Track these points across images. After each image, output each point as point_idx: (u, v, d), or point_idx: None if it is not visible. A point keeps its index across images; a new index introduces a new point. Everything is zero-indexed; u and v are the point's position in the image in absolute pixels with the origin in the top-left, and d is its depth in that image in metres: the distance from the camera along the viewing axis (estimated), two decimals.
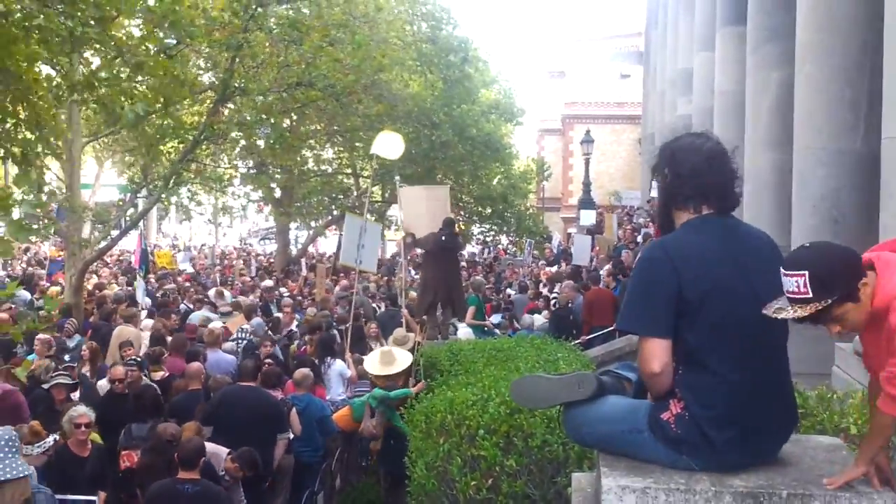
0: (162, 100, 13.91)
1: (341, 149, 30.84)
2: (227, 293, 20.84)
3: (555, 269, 26.36)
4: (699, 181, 3.66)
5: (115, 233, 19.93)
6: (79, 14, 8.02)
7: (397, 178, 17.62)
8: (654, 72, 31.15)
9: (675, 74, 24.66)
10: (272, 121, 20.13)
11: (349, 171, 32.79)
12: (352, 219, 15.70)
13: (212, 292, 21.06)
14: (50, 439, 8.10)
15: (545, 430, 5.56)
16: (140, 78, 11.77)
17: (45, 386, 9.84)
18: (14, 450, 5.97)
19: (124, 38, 10.68)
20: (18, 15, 7.31)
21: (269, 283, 23.36)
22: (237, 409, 9.33)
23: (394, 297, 18.77)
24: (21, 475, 5.92)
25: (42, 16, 7.60)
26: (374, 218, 19.52)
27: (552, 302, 18.55)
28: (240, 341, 14.40)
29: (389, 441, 10.18)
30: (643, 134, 34.82)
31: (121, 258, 32.16)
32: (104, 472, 8.61)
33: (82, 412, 8.51)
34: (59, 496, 7.44)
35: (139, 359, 11.47)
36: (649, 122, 32.09)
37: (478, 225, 33.44)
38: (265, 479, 9.37)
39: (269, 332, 15.05)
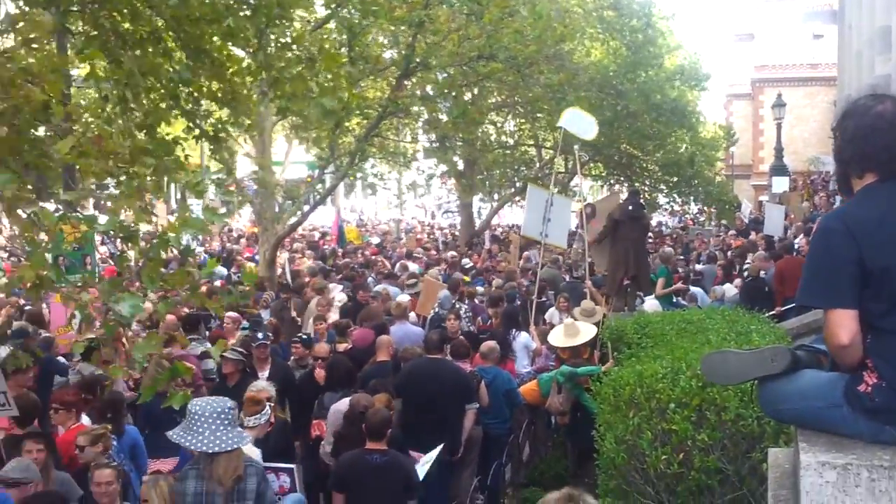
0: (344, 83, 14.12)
1: (523, 120, 30.65)
2: (411, 266, 21.14)
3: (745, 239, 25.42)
4: (862, 145, 3.48)
5: (305, 208, 20.51)
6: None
7: (576, 146, 17.31)
8: (850, 31, 29.33)
9: (873, 33, 23.12)
10: (454, 94, 20.19)
11: (531, 142, 32.57)
12: (535, 190, 15.50)
13: (398, 265, 21.43)
14: (267, 409, 8.29)
15: (739, 403, 5.42)
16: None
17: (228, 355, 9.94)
18: (227, 421, 5.96)
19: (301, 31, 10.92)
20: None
21: (452, 255, 23.59)
22: (426, 381, 9.39)
23: (573, 268, 18.55)
24: (233, 447, 5.93)
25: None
26: (557, 189, 19.25)
27: (744, 274, 17.84)
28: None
29: (577, 414, 10.07)
30: (838, 96, 32.92)
31: (313, 233, 33.25)
32: (288, 446, 8.83)
33: (262, 387, 8.73)
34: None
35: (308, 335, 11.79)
36: (845, 84, 30.27)
37: (664, 194, 32.51)
38: (455, 450, 9.43)
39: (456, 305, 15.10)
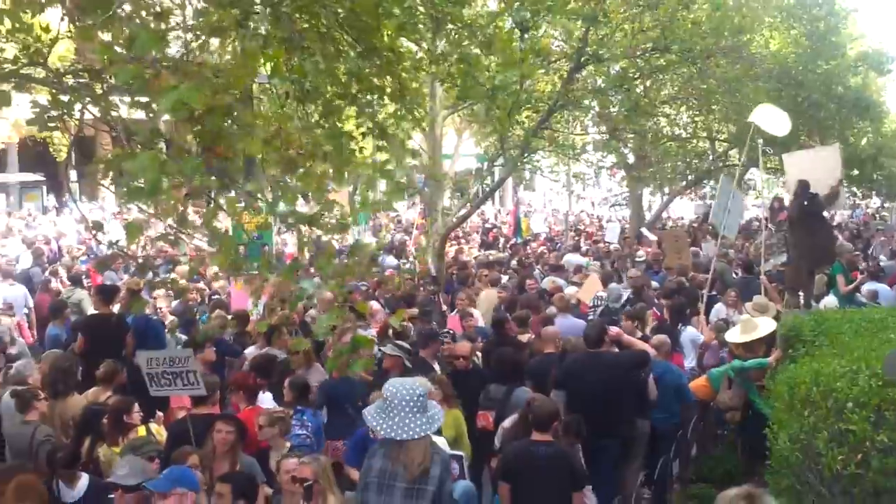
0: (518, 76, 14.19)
1: (696, 112, 29.97)
2: (578, 258, 21.06)
3: None
4: None
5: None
6: None
7: (760, 140, 16.81)
8: None
9: None
10: (626, 87, 19.97)
11: (704, 134, 31.80)
12: (726, 181, 15.53)
13: (565, 258, 21.38)
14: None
15: None
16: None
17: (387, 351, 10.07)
18: (417, 408, 5.92)
19: (476, 17, 11.03)
20: None
21: (616, 248, 23.38)
22: (585, 375, 9.36)
23: (750, 264, 18.04)
24: (420, 435, 5.89)
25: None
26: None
27: None
28: (595, 308, 14.45)
29: (748, 411, 9.83)
30: None
31: (484, 225, 33.57)
32: None
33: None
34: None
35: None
36: None
37: (845, 188, 31.10)
38: (627, 443, 9.44)
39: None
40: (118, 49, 5.17)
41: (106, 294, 12.20)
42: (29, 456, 8.06)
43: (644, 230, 27.95)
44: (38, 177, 36.79)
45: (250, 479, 7.02)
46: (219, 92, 5.29)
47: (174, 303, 13.46)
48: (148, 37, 4.64)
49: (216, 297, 14.58)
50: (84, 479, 7.31)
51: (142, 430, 8.16)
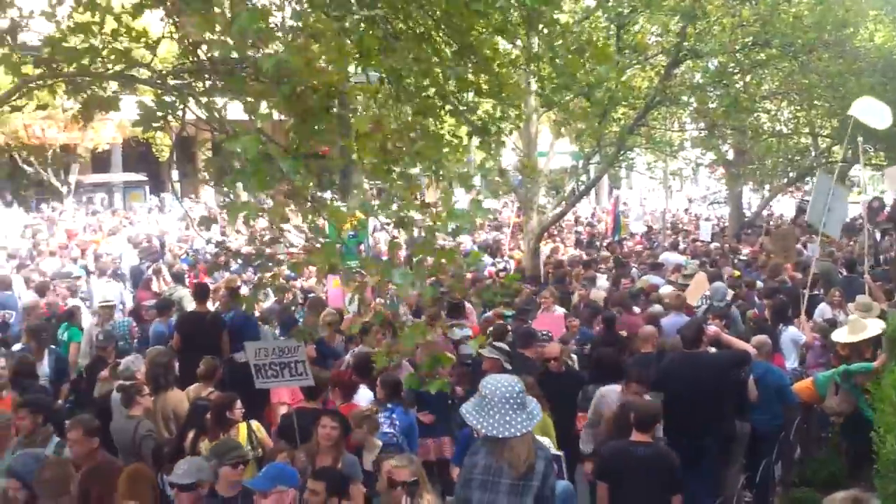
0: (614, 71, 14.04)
1: (798, 107, 29.20)
2: (677, 257, 20.72)
3: None
4: None
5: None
6: None
7: (860, 138, 16.30)
8: None
9: None
10: (725, 83, 19.58)
11: (807, 130, 30.97)
12: (823, 177, 15.09)
13: (663, 256, 21.07)
14: None
15: None
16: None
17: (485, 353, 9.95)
18: (517, 405, 5.83)
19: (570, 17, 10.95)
20: None
21: (716, 246, 22.93)
22: (681, 376, 9.19)
23: (853, 263, 17.51)
24: (521, 433, 5.79)
25: None
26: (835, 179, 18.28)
27: None
28: (700, 308, 14.18)
29: (852, 413, 9.54)
30: None
31: (579, 223, 33.29)
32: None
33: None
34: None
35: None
36: None
37: None
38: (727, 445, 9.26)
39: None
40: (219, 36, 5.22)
41: (200, 292, 12.44)
42: (132, 450, 8.25)
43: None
44: (142, 176, 37.79)
45: (344, 477, 7.04)
46: (316, 88, 5.33)
47: (269, 302, 13.64)
48: (250, 15, 4.67)
49: (312, 295, 14.73)
50: None
51: (243, 428, 8.26)
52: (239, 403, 8.34)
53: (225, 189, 6.06)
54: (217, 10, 5.28)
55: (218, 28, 5.10)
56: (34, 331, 11.42)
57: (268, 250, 6.83)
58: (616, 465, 7.57)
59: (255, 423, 8.50)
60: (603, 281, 17.03)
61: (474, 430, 6.43)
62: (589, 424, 9.12)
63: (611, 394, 8.97)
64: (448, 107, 8.23)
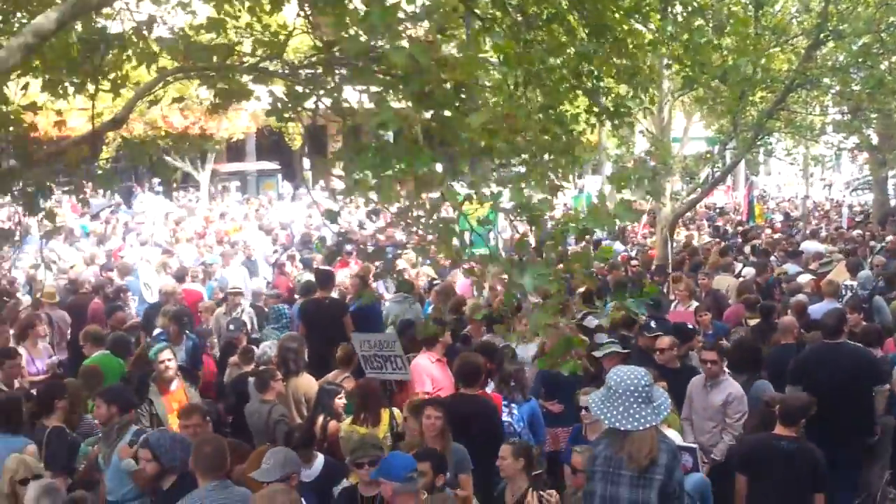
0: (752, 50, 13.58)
1: None
2: (817, 245, 20.03)
3: None
4: None
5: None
6: None
7: None
8: None
9: None
10: (869, 64, 18.71)
11: None
12: None
13: (803, 244, 20.41)
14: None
15: None
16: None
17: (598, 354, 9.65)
18: (642, 398, 5.73)
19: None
20: None
21: (858, 233, 22.06)
22: (821, 367, 8.83)
23: None
24: (645, 426, 5.69)
25: None
26: None
27: None
28: (842, 298, 13.63)
29: None
30: None
31: (711, 211, 32.53)
32: None
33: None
34: None
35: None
36: None
37: None
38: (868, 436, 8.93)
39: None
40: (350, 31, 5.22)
41: (322, 278, 12.60)
42: (266, 434, 8.41)
43: None
44: (274, 165, 38.67)
45: (445, 466, 6.92)
46: (443, 81, 5.27)
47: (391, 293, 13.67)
48: (381, 12, 4.65)
49: (436, 282, 14.73)
50: (319, 459, 7.56)
51: (385, 414, 8.30)
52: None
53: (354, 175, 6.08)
54: (350, 5, 5.29)
55: (349, 22, 5.10)
56: (174, 316, 11.76)
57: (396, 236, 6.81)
58: (757, 458, 7.41)
59: (396, 410, 8.54)
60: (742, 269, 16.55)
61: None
62: (685, 417, 8.99)
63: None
64: (579, 91, 8.09)
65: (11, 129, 5.51)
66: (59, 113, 6.44)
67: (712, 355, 8.93)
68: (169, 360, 9.03)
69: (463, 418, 7.82)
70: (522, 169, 6.33)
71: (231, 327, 11.84)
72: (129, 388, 8.70)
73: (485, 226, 6.02)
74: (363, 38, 4.69)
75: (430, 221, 5.39)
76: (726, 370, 9.27)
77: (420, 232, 5.77)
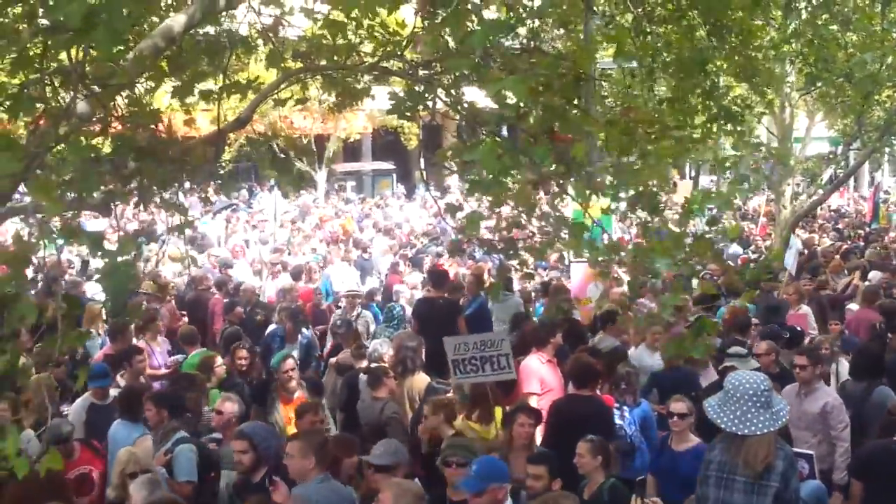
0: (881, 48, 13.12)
1: None
2: None
3: None
4: None
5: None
6: None
7: None
8: None
9: None
10: None
11: None
12: None
13: None
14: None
15: None
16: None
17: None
18: (760, 402, 5.63)
19: None
20: None
21: None
22: None
23: None
24: (762, 432, 5.59)
25: None
26: None
27: None
28: None
29: None
30: None
31: (834, 212, 31.56)
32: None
33: None
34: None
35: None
36: None
37: None
38: None
39: None
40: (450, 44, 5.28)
41: (435, 278, 12.67)
42: (378, 430, 8.48)
43: None
44: (390, 165, 39.10)
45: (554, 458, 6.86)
46: (562, 75, 5.26)
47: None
48: (485, 30, 4.68)
49: (550, 280, 14.66)
50: None
51: (498, 411, 8.32)
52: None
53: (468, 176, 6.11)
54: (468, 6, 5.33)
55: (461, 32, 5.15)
56: (290, 313, 12.00)
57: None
58: (876, 464, 7.18)
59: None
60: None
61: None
62: None
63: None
64: (698, 90, 7.96)
65: (141, 130, 5.70)
66: (187, 112, 6.63)
67: (802, 360, 8.61)
68: (292, 369, 9.10)
69: (577, 419, 7.77)
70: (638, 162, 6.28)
71: (338, 323, 11.99)
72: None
73: (601, 220, 5.99)
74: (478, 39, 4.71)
75: (554, 216, 5.39)
76: (848, 376, 9.00)
77: (541, 229, 5.78)
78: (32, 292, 7.37)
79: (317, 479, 6.26)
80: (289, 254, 18.95)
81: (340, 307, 13.99)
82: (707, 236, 5.67)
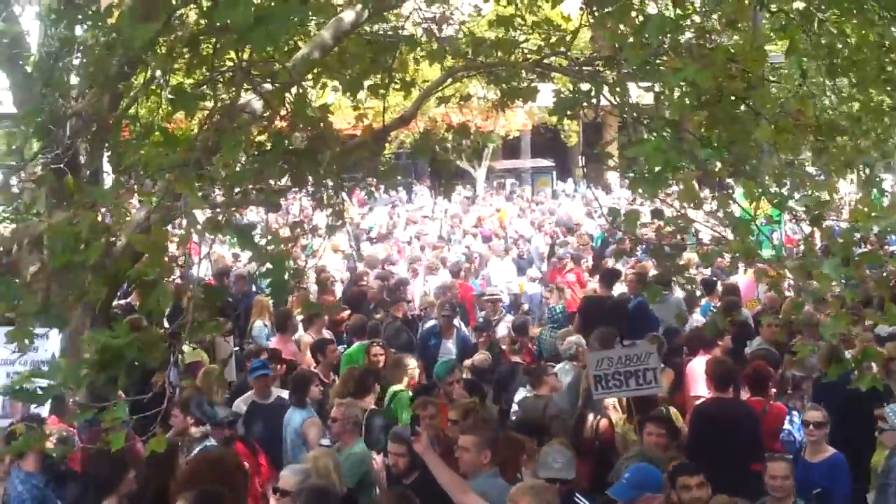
0: None
1: None
2: None
3: None
4: None
5: None
6: None
7: None
8: None
9: None
10: None
11: None
12: None
13: None
14: None
15: None
16: None
17: None
18: None
19: None
20: None
21: None
22: None
23: None
24: None
25: None
26: None
27: None
28: None
29: None
30: None
31: None
32: None
33: None
34: None
35: None
36: None
37: None
38: None
39: None
40: (628, 36, 5.18)
41: (606, 277, 12.48)
42: (542, 429, 8.39)
43: None
44: (549, 162, 38.88)
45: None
46: (732, 76, 5.11)
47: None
48: (660, 22, 4.59)
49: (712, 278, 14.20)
50: None
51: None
52: None
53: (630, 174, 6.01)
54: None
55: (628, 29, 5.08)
56: (447, 309, 12.08)
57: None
58: None
59: (673, 410, 8.37)
60: None
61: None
62: None
63: None
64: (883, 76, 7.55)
65: (302, 128, 5.84)
66: (356, 108, 6.76)
67: None
68: (458, 381, 9.01)
69: (721, 423, 7.64)
70: (811, 168, 6.03)
71: (480, 320, 11.97)
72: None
73: (770, 225, 5.81)
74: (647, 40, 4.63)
75: (722, 214, 5.23)
76: None
77: (712, 229, 5.63)
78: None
79: (488, 473, 6.32)
80: (448, 250, 19.02)
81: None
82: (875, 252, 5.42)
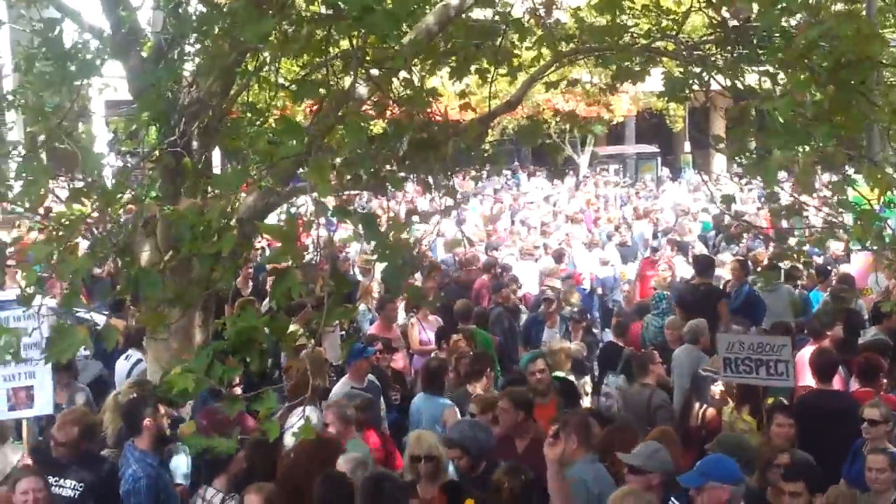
0: None
1: None
2: None
3: None
4: None
5: None
6: None
7: None
8: None
9: None
10: None
11: None
12: None
13: None
14: None
15: None
16: None
17: None
18: None
19: None
20: None
21: None
22: None
23: None
24: None
25: None
26: None
27: None
28: None
29: None
30: None
31: None
32: None
33: None
34: None
35: None
36: None
37: None
38: None
39: None
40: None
41: (699, 264, 12.37)
42: (646, 418, 8.31)
43: None
44: (654, 148, 38.38)
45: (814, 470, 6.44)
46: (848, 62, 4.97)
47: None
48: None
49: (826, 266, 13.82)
50: None
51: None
52: None
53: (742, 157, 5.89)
54: None
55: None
56: (548, 297, 12.06)
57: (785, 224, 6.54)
58: None
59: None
60: None
61: None
62: None
63: None
64: None
65: (415, 113, 5.86)
66: (462, 95, 6.76)
67: None
68: (541, 370, 8.65)
69: (824, 415, 7.51)
70: None
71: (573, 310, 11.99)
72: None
73: (884, 209, 5.63)
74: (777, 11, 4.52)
75: (838, 199, 5.11)
76: None
77: (826, 217, 5.50)
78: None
79: (586, 458, 6.29)
80: (549, 236, 18.93)
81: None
82: None
